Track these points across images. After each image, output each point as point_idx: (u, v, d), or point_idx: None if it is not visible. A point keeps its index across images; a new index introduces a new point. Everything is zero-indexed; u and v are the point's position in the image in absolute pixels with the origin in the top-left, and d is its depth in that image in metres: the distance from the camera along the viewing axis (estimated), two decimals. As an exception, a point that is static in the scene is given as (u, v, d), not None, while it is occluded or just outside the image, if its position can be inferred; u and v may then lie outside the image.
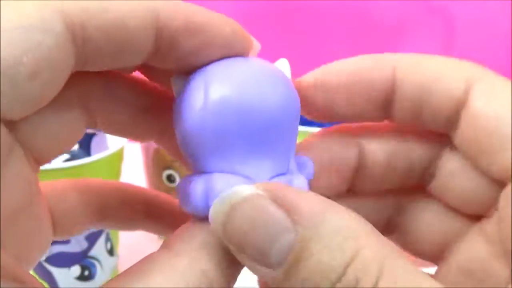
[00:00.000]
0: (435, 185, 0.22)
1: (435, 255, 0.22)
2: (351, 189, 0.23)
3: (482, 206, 0.20)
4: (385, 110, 0.21)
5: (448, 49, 0.69)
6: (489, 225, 0.20)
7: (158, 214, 0.24)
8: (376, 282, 0.14)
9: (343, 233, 0.15)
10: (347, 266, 0.15)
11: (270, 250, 0.15)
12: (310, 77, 0.21)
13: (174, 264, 0.16)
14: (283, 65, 0.20)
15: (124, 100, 0.21)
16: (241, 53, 0.18)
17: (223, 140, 0.17)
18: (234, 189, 0.16)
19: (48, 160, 0.19)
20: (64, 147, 0.19)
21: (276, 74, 0.18)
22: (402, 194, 0.23)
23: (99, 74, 0.20)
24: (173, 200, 0.25)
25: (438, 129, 0.20)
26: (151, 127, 0.22)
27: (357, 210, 0.17)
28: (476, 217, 0.21)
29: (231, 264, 0.17)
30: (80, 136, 0.20)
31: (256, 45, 0.19)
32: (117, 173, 0.45)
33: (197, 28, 0.17)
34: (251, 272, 0.16)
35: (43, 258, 0.42)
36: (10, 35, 0.14)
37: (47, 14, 0.15)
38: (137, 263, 0.17)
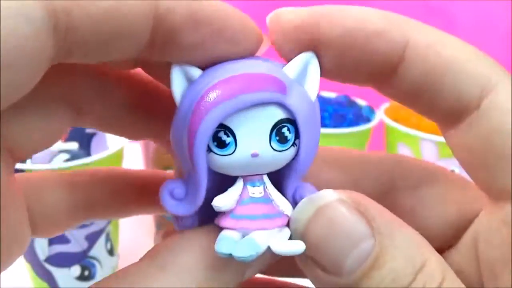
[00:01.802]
0: None
1: None
2: None
3: (443, 239, 0.20)
4: (378, 80, 0.18)
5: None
6: (453, 257, 0.20)
7: (155, 193, 0.24)
8: None
9: (415, 242, 0.16)
10: (417, 273, 0.15)
11: (347, 257, 0.16)
12: (296, 16, 0.17)
13: (158, 279, 0.16)
14: (308, 59, 0.18)
15: (116, 97, 0.20)
16: (250, 50, 0.17)
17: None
18: (321, 193, 0.17)
19: (27, 156, 0.18)
20: (44, 143, 0.18)
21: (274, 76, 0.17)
22: None
23: (90, 69, 0.19)
24: (170, 175, 0.24)
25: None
26: (146, 126, 0.21)
27: None
28: None
29: (218, 283, 0.16)
30: (62, 134, 0.19)
31: (266, 42, 0.18)
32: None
33: (202, 21, 0.16)
34: (311, 281, 0.17)
35: (43, 258, 0.42)
36: None
37: None
38: (120, 272, 0.16)
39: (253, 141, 0.17)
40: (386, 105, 0.60)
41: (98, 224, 0.43)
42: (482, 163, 0.17)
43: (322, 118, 0.55)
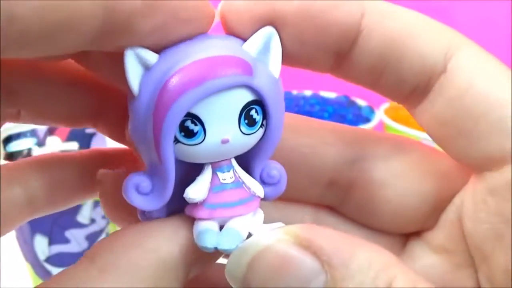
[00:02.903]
0: (352, 203, 0.20)
1: None
2: None
3: (411, 221, 0.19)
4: (336, 60, 0.17)
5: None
6: (437, 237, 0.19)
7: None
8: None
9: (374, 266, 0.14)
10: None
11: None
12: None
13: (98, 282, 0.14)
14: (269, 35, 0.17)
15: (49, 79, 0.19)
16: (204, 28, 0.16)
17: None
18: (253, 239, 0.15)
19: None
20: None
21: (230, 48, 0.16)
22: (316, 211, 0.21)
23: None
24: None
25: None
26: (83, 111, 0.20)
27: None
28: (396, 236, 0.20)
29: (164, 284, 0.15)
30: None
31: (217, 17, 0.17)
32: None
33: (157, 4, 0.14)
34: None
35: (43, 258, 0.42)
36: None
37: None
38: (58, 275, 0.15)
39: (222, 127, 0.16)
40: (386, 105, 0.60)
41: (98, 224, 0.43)
42: (457, 131, 0.16)
43: (322, 118, 0.55)
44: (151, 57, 0.16)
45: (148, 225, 0.16)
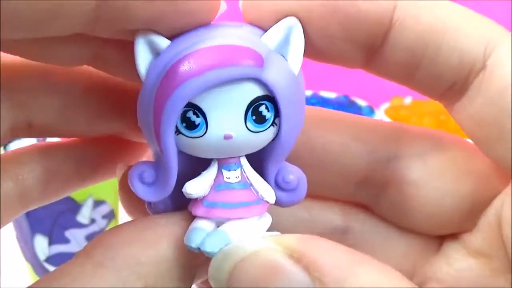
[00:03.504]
0: (385, 199, 0.19)
1: None
2: None
3: (448, 223, 0.18)
4: (368, 54, 0.16)
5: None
6: (475, 240, 0.18)
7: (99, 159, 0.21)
8: None
9: (377, 281, 0.13)
10: None
11: None
12: None
13: (94, 277, 0.13)
14: (290, 26, 0.15)
15: (63, 89, 0.18)
16: (208, 18, 0.15)
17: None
18: (238, 244, 0.14)
19: None
20: None
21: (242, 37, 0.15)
22: (347, 209, 0.20)
23: (31, 65, 0.17)
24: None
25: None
26: (103, 120, 0.19)
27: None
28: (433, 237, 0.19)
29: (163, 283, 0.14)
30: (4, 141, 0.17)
31: (223, 7, 0.16)
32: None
33: None
34: None
35: (43, 258, 0.42)
36: None
37: None
38: (53, 274, 0.14)
39: (226, 121, 0.15)
40: (386, 105, 0.60)
41: (98, 224, 0.43)
42: (496, 132, 0.15)
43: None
44: (162, 42, 0.15)
45: (150, 220, 0.16)
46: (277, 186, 0.16)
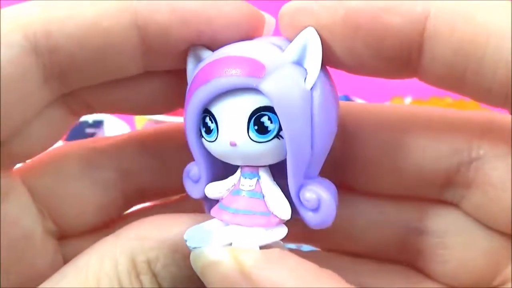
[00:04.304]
0: (469, 199, 0.18)
1: (476, 281, 0.18)
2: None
3: None
4: (407, 67, 0.15)
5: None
6: None
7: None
8: None
9: None
10: None
11: None
12: (293, 4, 0.16)
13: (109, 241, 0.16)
14: (308, 36, 0.15)
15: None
16: (252, 32, 0.17)
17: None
18: (203, 250, 0.15)
19: (26, 159, 0.18)
20: (44, 145, 0.18)
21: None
22: (427, 209, 0.19)
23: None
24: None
25: (494, 104, 0.15)
26: (158, 99, 0.19)
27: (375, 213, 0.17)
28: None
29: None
30: (63, 133, 0.18)
31: (270, 21, 0.17)
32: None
33: (189, 14, 0.15)
34: None
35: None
36: None
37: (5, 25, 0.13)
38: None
39: (231, 129, 0.15)
40: (386, 105, 0.60)
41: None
42: None
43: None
44: (204, 53, 0.17)
45: (175, 214, 0.17)
46: (301, 203, 0.16)
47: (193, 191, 0.18)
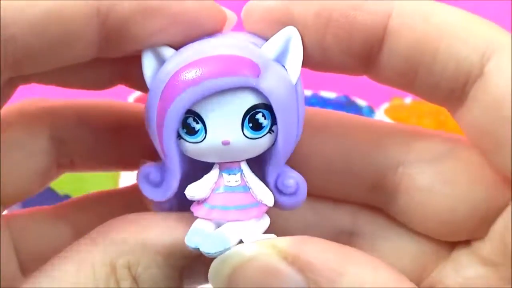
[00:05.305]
0: (396, 203, 0.18)
1: None
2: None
3: (460, 230, 0.17)
4: (366, 63, 0.16)
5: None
6: (485, 248, 0.17)
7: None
8: None
9: (367, 285, 0.13)
10: None
11: None
12: (267, 1, 0.16)
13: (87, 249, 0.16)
14: (288, 36, 0.16)
15: (99, 127, 0.19)
16: (214, 29, 0.16)
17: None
18: (235, 250, 0.15)
19: (16, 201, 0.18)
20: (33, 185, 0.18)
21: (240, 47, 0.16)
22: (357, 212, 0.20)
23: (68, 101, 0.19)
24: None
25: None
26: (137, 152, 0.19)
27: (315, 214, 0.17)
28: (444, 243, 0.18)
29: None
30: (51, 175, 0.19)
31: (231, 18, 0.17)
32: (117, 175, 0.45)
33: (152, 9, 0.15)
34: None
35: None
36: None
37: None
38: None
39: (223, 128, 0.15)
40: (386, 105, 0.60)
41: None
42: (495, 141, 0.15)
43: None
44: (167, 51, 0.16)
45: (149, 214, 0.17)
46: (277, 190, 0.17)
47: (155, 194, 0.17)
